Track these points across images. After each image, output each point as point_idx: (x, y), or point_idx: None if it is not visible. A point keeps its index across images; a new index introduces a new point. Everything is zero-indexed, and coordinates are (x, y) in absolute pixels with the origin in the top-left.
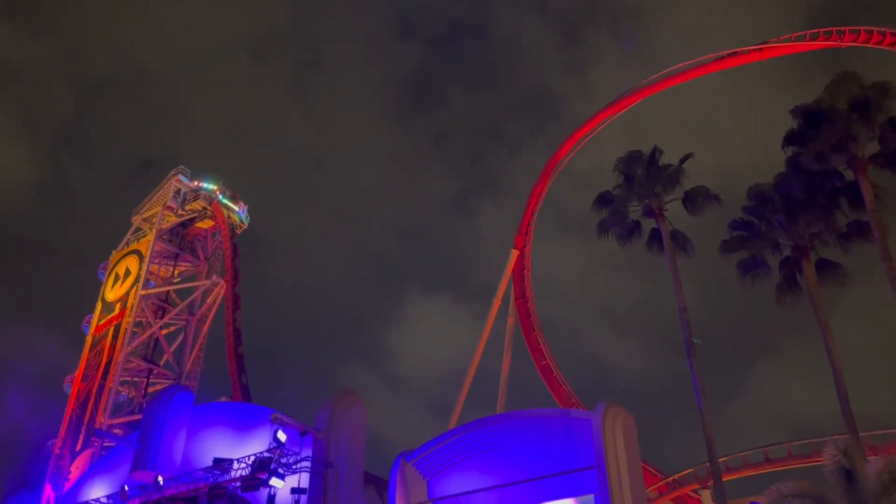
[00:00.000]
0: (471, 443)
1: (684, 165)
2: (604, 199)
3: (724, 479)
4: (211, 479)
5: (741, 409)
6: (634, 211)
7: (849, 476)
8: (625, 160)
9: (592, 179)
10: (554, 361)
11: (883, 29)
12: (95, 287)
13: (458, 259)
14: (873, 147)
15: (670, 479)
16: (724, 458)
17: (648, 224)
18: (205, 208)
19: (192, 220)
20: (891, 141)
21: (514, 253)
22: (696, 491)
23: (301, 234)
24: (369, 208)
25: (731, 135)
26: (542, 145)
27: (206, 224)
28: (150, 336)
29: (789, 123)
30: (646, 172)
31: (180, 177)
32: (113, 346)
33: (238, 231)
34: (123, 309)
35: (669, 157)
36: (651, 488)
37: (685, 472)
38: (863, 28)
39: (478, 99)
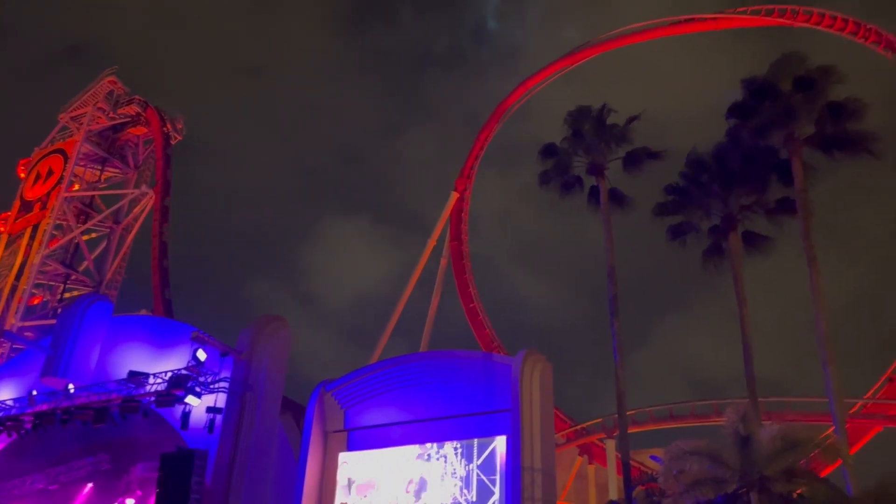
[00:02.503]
0: (392, 377)
1: (631, 125)
2: (549, 151)
3: (629, 431)
4: (125, 392)
5: (647, 359)
6: (578, 166)
7: (744, 439)
8: (574, 114)
9: (518, 113)
10: (480, 305)
11: (835, 13)
12: (12, 183)
13: (380, 180)
14: (809, 129)
15: (579, 426)
16: (632, 411)
17: (590, 180)
18: (139, 114)
19: (123, 125)
20: (828, 124)
21: (454, 195)
22: (601, 440)
23: (232, 141)
24: (304, 121)
25: (661, 84)
26: (472, 69)
27: (138, 131)
28: (71, 240)
29: (720, 81)
30: (593, 129)
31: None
32: (29, 246)
33: (173, 142)
34: (43, 210)
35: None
36: (560, 434)
37: (594, 421)
38: (815, 10)
39: (427, 18)
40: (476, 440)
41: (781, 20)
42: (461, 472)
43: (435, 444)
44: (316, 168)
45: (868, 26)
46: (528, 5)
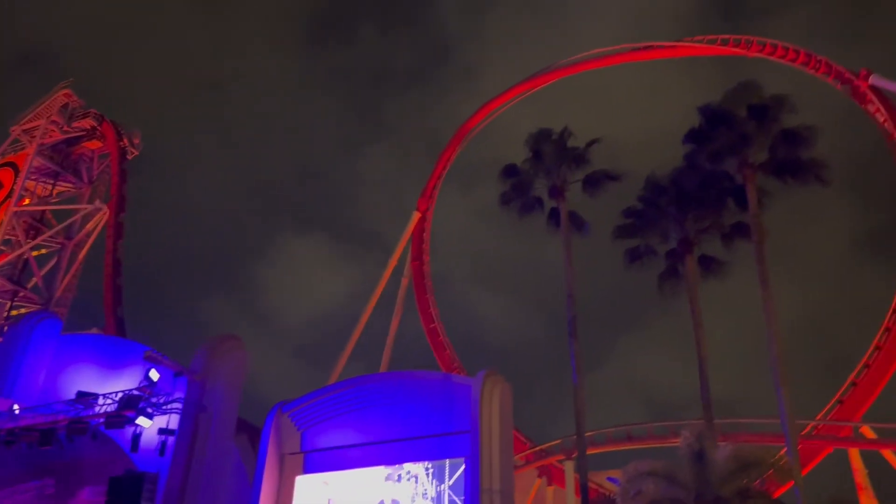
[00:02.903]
0: (350, 398)
1: (591, 148)
2: (510, 171)
3: (587, 453)
4: (72, 413)
5: (604, 379)
6: (539, 187)
7: (700, 459)
8: (535, 136)
9: (480, 133)
10: (441, 325)
11: (787, 45)
12: None
13: (338, 197)
14: (763, 155)
15: (538, 448)
16: (591, 432)
17: (550, 202)
18: (94, 128)
19: (78, 139)
20: (781, 151)
21: (416, 215)
22: (560, 461)
23: (189, 156)
24: (262, 137)
25: (621, 108)
26: (432, 88)
27: (93, 145)
28: (19, 256)
29: (678, 106)
30: (553, 152)
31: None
32: None
33: (129, 156)
34: None
35: (563, 123)
36: (519, 456)
37: (552, 443)
38: (769, 41)
39: (388, 36)
40: (448, 461)
41: (737, 50)
42: (432, 492)
43: (406, 465)
44: (273, 184)
45: (818, 58)
46: (489, 26)
